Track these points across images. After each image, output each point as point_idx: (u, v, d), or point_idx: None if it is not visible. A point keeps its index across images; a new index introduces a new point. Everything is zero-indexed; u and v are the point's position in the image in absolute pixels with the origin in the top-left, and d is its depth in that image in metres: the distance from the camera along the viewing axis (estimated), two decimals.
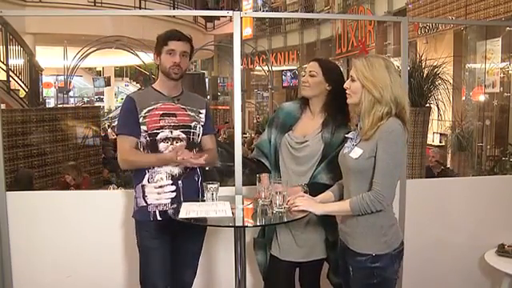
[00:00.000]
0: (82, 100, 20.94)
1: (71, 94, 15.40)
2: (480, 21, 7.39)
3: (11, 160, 5.72)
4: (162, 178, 2.19)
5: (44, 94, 13.23)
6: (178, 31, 2.25)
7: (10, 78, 8.43)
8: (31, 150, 6.16)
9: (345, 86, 1.92)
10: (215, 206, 2.01)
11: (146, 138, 2.19)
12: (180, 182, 2.22)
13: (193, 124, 2.27)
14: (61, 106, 11.28)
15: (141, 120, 2.18)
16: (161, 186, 2.19)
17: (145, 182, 2.21)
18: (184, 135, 2.24)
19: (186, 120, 2.25)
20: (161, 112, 2.20)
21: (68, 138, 6.84)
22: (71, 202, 2.73)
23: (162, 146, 2.20)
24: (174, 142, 2.21)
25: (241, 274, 2.01)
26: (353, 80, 1.88)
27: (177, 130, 2.22)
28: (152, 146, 2.20)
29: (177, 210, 1.98)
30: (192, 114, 2.28)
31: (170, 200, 2.19)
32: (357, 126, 1.94)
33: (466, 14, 7.67)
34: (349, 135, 1.96)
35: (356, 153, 1.86)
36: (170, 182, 2.20)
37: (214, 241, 2.67)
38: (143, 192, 2.21)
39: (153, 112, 2.19)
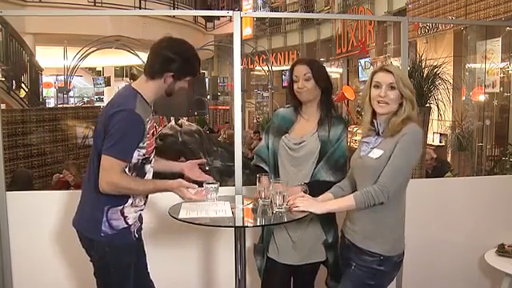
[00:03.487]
0: (81, 100, 20.91)
1: (71, 94, 15.36)
2: (480, 21, 7.40)
3: (11, 160, 5.73)
4: (140, 199, 2.07)
5: (44, 94, 13.22)
6: None
7: None
8: (31, 150, 6.16)
9: (381, 94, 1.89)
10: (215, 205, 2.01)
11: (139, 160, 1.97)
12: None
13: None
14: (61, 106, 11.27)
15: (146, 142, 1.95)
16: (136, 205, 2.06)
17: (128, 204, 2.00)
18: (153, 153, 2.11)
19: (155, 134, 2.11)
20: (152, 130, 2.01)
21: (68, 137, 6.85)
22: (71, 202, 2.72)
23: (147, 167, 2.04)
24: (151, 163, 2.06)
25: (241, 274, 2.01)
26: (393, 88, 1.89)
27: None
28: (140, 169, 2.00)
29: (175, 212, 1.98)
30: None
31: (139, 214, 2.10)
32: (374, 131, 1.96)
33: (466, 13, 7.68)
34: (365, 139, 1.98)
35: (376, 153, 1.89)
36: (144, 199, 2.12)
37: (214, 241, 2.67)
38: (122, 213, 2.00)
39: (149, 131, 1.97)
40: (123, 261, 2.04)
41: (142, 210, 2.12)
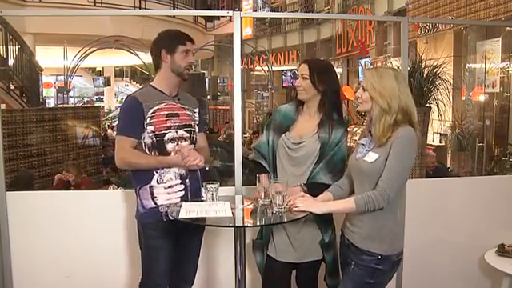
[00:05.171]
0: (81, 100, 20.93)
1: (71, 94, 15.39)
2: (480, 21, 7.40)
3: (11, 160, 5.72)
4: (171, 178, 2.18)
5: (44, 94, 13.23)
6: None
7: None
8: (31, 150, 6.15)
9: (356, 94, 1.99)
10: (215, 205, 2.01)
11: (152, 138, 2.17)
12: (187, 180, 2.23)
13: (192, 123, 2.30)
14: (61, 106, 11.27)
15: (148, 120, 2.15)
16: (170, 186, 2.19)
17: (153, 183, 2.18)
18: (187, 134, 2.25)
19: (187, 119, 2.27)
20: (166, 112, 2.19)
21: (68, 138, 6.84)
22: (71, 202, 2.73)
23: (169, 146, 2.19)
24: (180, 142, 2.21)
25: (241, 274, 2.01)
26: (364, 90, 1.95)
27: (181, 129, 2.23)
28: (159, 147, 2.18)
29: (177, 210, 1.98)
30: (190, 113, 2.31)
31: (179, 199, 2.19)
32: (370, 132, 1.98)
33: (466, 13, 7.68)
34: (361, 141, 2.01)
35: (371, 157, 1.91)
36: (179, 181, 2.20)
37: (214, 241, 2.67)
38: (152, 193, 2.18)
39: (158, 112, 2.18)
40: (149, 239, 2.20)
41: (180, 191, 2.19)
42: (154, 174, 2.18)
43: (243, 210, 2.10)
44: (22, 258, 2.62)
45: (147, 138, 2.17)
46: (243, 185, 2.61)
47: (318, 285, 2.33)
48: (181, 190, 2.21)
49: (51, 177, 6.11)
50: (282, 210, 1.93)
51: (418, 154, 4.49)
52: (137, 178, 2.22)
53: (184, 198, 2.20)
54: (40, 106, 9.33)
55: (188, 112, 2.29)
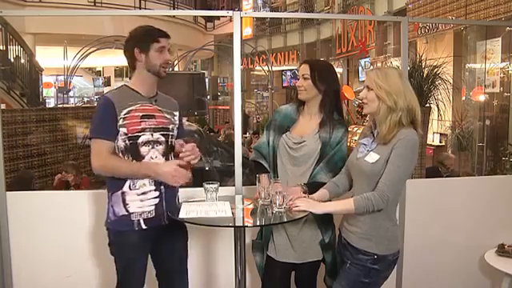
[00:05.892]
0: (82, 100, 20.91)
1: (71, 93, 15.36)
2: (480, 21, 7.41)
3: (11, 160, 5.72)
4: (144, 184, 2.05)
5: (44, 94, 13.22)
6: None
7: None
8: (31, 150, 6.15)
9: (361, 95, 1.97)
10: (215, 205, 2.02)
11: (125, 141, 2.04)
12: (162, 186, 2.09)
13: (171, 126, 2.16)
14: (61, 106, 11.27)
15: (120, 122, 2.02)
16: (144, 193, 2.06)
17: (125, 188, 2.05)
18: (163, 138, 2.12)
19: (164, 122, 2.13)
20: (140, 114, 2.06)
21: (68, 138, 6.84)
22: (71, 202, 2.73)
23: (143, 149, 2.06)
24: (155, 146, 2.08)
25: (241, 274, 2.02)
26: (369, 90, 1.94)
27: (157, 132, 2.09)
28: (132, 151, 2.04)
29: (175, 212, 1.98)
30: (168, 116, 2.17)
31: (153, 207, 2.07)
32: (372, 133, 1.98)
33: (466, 13, 7.68)
34: (363, 141, 2.01)
35: (372, 158, 1.91)
36: (154, 187, 2.07)
37: (214, 241, 2.67)
38: (123, 200, 2.05)
39: (132, 113, 2.04)
40: (121, 250, 2.10)
41: (154, 199, 2.07)
42: (126, 180, 2.04)
43: (243, 209, 2.10)
44: (22, 257, 2.62)
45: (120, 141, 2.04)
46: (243, 185, 2.61)
47: (317, 285, 2.33)
48: (155, 198, 2.07)
49: (51, 177, 6.11)
50: (282, 209, 1.94)
51: (418, 154, 4.50)
52: (109, 183, 2.09)
53: (158, 207, 2.08)
54: (40, 106, 9.34)
55: (166, 115, 2.15)
